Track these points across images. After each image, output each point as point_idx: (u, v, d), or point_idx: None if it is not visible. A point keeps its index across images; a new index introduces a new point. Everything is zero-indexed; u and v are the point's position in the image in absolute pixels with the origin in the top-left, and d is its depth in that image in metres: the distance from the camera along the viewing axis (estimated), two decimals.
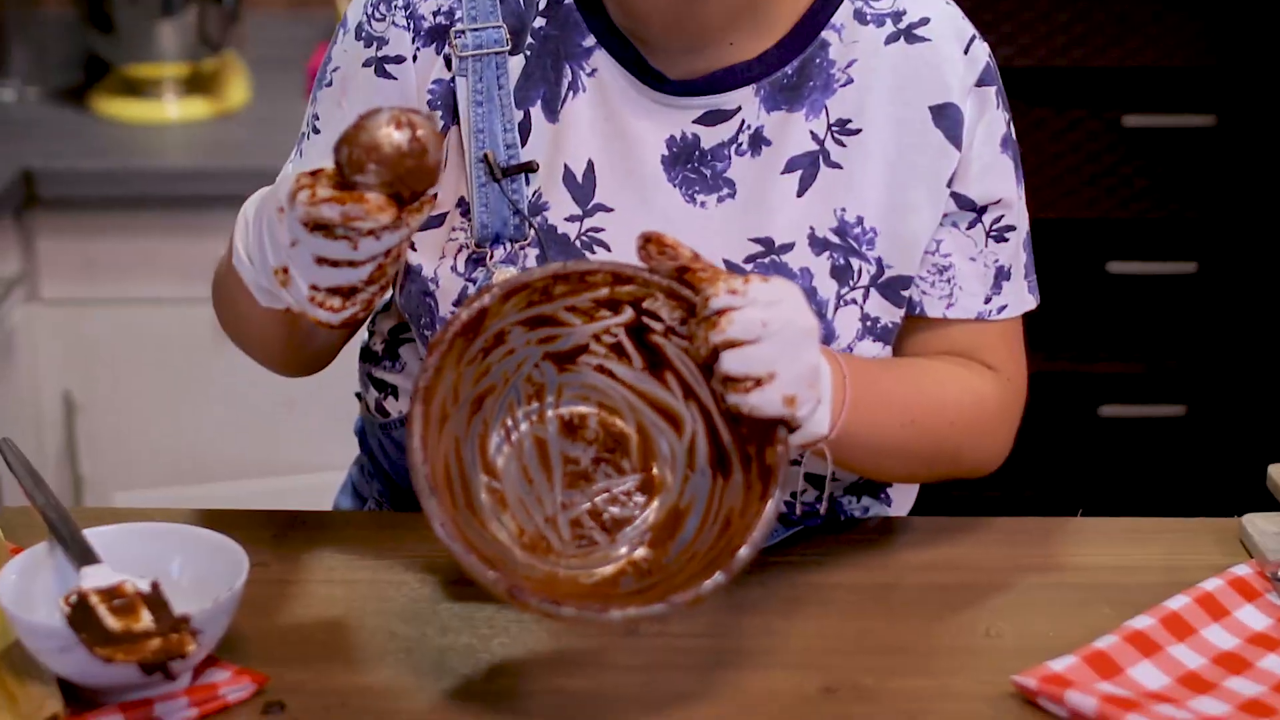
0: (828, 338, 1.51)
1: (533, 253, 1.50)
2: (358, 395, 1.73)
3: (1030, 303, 1.60)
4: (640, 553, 1.37)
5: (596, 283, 1.35)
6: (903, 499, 1.67)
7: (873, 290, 1.54)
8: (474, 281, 1.50)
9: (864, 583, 1.53)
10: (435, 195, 1.30)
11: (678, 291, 1.34)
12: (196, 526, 1.41)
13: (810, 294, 1.50)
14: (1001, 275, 1.57)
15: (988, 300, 1.57)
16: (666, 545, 1.37)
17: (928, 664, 1.41)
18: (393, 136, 1.25)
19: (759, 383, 1.29)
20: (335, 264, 1.29)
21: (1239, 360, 3.02)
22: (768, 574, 1.50)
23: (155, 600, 1.29)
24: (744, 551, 1.28)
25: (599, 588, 1.35)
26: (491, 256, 1.50)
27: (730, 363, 1.29)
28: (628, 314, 1.37)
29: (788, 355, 1.30)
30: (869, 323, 1.53)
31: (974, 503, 1.83)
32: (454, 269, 1.52)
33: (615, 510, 1.39)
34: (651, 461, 1.40)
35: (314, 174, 1.29)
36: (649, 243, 1.33)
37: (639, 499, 1.40)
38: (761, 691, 1.36)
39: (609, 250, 1.50)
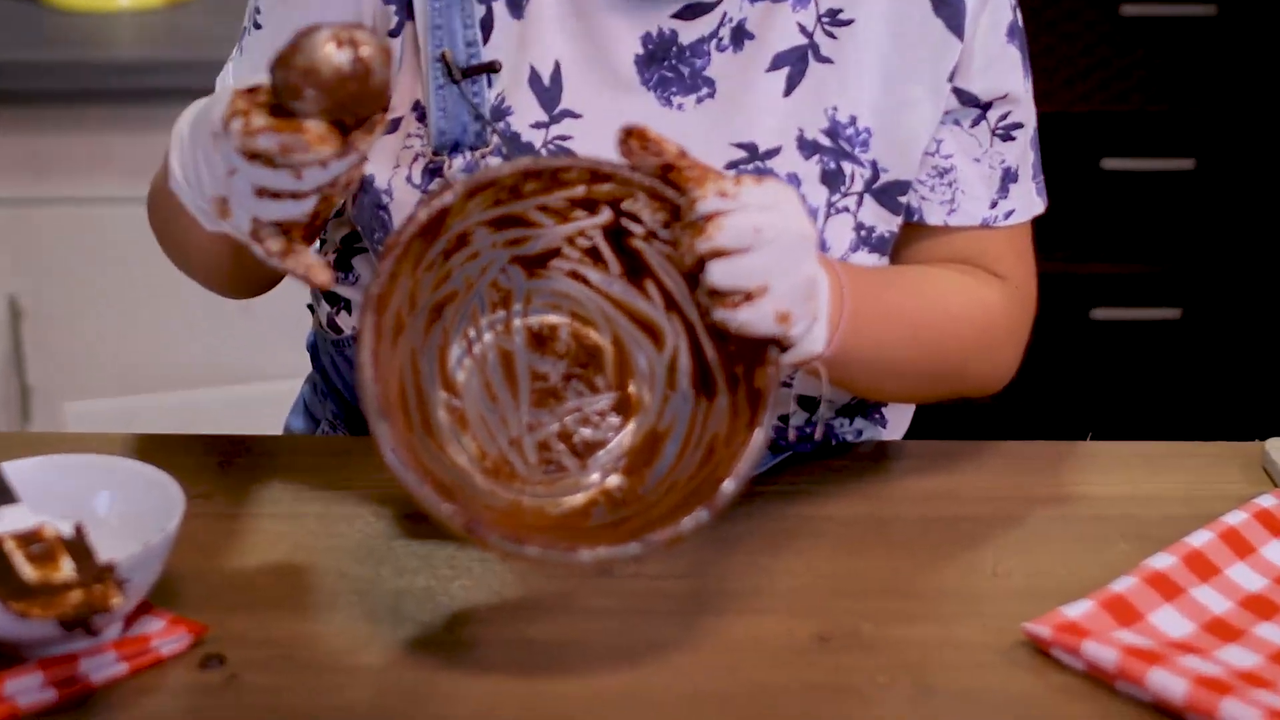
0: (819, 249, 1.39)
1: (495, 162, 1.37)
2: (309, 307, 1.60)
3: (1039, 206, 1.49)
4: (614, 480, 1.27)
5: (571, 180, 1.24)
6: (898, 420, 1.57)
7: (867, 197, 1.43)
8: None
9: (859, 515, 1.42)
10: (385, 117, 1.18)
11: (661, 192, 1.23)
12: (128, 458, 1.29)
13: (800, 201, 1.38)
14: (1008, 177, 1.46)
15: (993, 205, 1.45)
16: (643, 473, 1.26)
17: (931, 608, 1.31)
18: (332, 58, 1.13)
19: (749, 297, 1.18)
20: (277, 195, 1.18)
21: (1237, 261, 2.96)
22: (754, 506, 1.39)
23: (78, 546, 1.17)
24: (729, 485, 1.18)
25: (567, 519, 1.24)
26: (450, 166, 1.38)
27: (718, 274, 1.18)
28: (605, 215, 1.26)
29: (782, 266, 1.19)
30: (863, 232, 1.42)
31: (967, 417, 1.72)
32: (409, 179, 1.40)
33: (587, 432, 1.28)
34: (628, 379, 1.29)
35: (250, 94, 1.17)
36: (630, 136, 1.21)
37: (613, 420, 1.29)
38: (748, 640, 1.26)
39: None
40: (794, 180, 1.40)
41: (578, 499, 1.26)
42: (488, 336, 1.29)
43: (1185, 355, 2.97)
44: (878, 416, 1.54)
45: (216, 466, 1.47)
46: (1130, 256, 2.93)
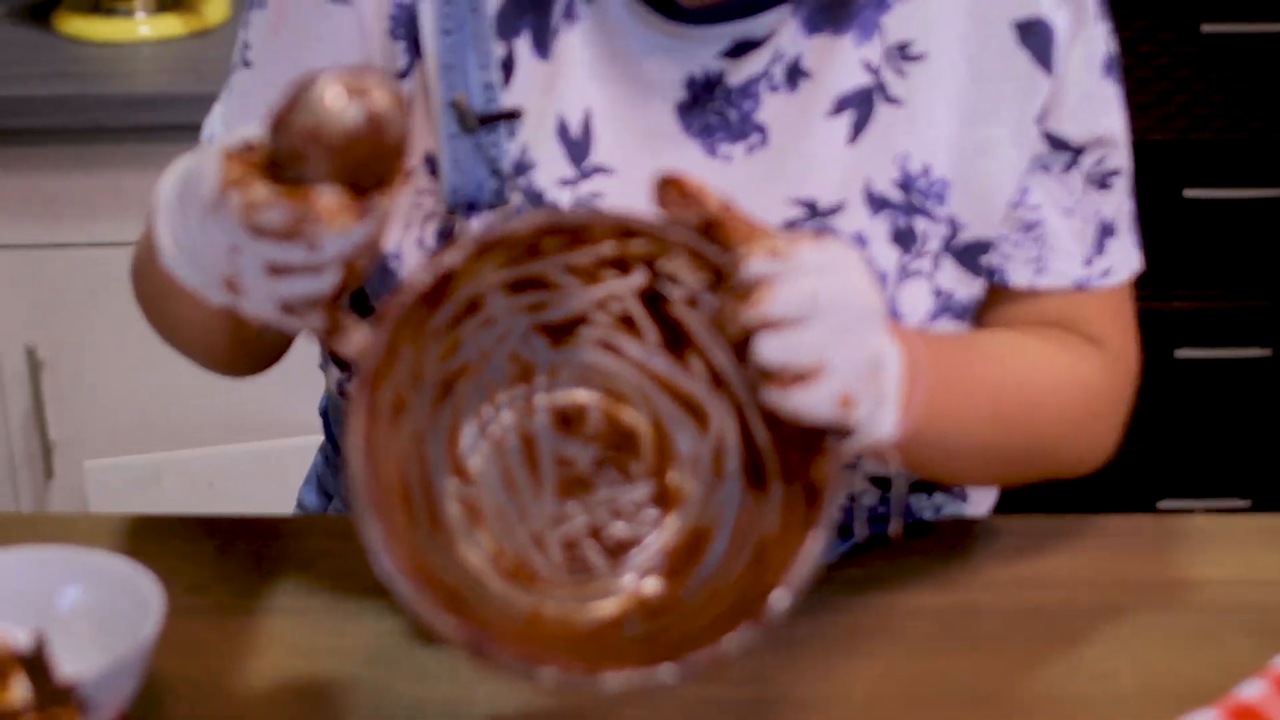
0: (890, 318, 1.22)
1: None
2: (322, 368, 1.45)
3: (1137, 263, 1.32)
4: (651, 585, 1.10)
5: (598, 237, 1.07)
6: (982, 493, 1.41)
7: (945, 257, 1.25)
8: None
9: (941, 607, 1.26)
10: (406, 172, 1.03)
11: (702, 249, 1.06)
12: (102, 551, 1.14)
13: (868, 264, 1.21)
14: (1105, 231, 1.29)
15: (1088, 263, 1.29)
16: (684, 576, 1.09)
17: (1027, 718, 1.13)
18: (338, 115, 0.96)
19: (805, 377, 1.01)
20: (294, 271, 1.00)
21: None
22: (821, 597, 1.21)
23: (34, 661, 1.01)
24: (780, 596, 1.01)
25: (596, 632, 1.07)
26: (464, 227, 1.21)
27: (768, 349, 1.01)
28: (640, 277, 1.09)
29: (843, 341, 1.02)
30: (942, 297, 1.26)
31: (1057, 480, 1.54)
32: (420, 242, 1.24)
33: (620, 528, 1.11)
34: (668, 466, 1.12)
35: (243, 153, 1.00)
36: (667, 186, 1.04)
37: (651, 514, 1.12)
38: None
39: None
40: (860, 241, 1.23)
41: (609, 605, 1.09)
42: (506, 416, 1.12)
43: (1277, 396, 2.81)
44: (959, 490, 1.38)
45: (215, 552, 1.32)
46: (1215, 292, 2.77)
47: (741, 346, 1.04)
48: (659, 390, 1.12)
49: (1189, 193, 2.70)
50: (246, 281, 1.01)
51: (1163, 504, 2.63)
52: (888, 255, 1.23)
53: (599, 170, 1.23)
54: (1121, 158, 1.29)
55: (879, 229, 1.23)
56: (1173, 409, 2.84)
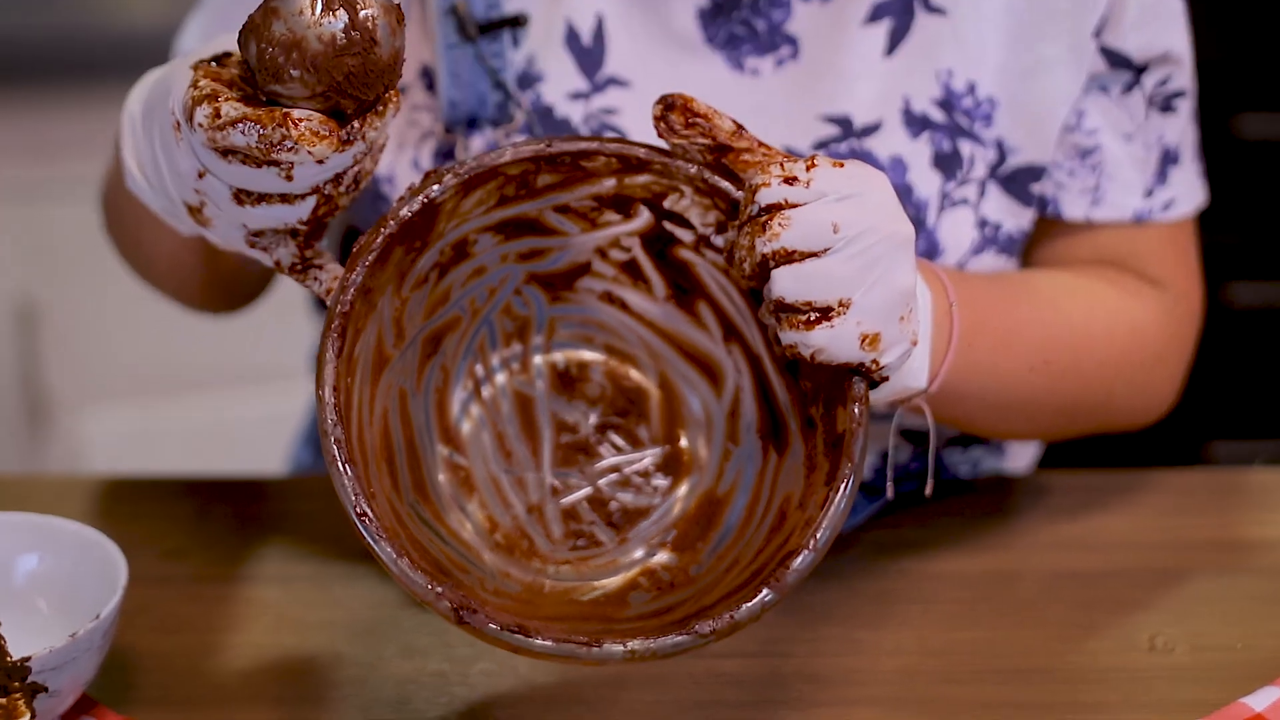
0: (930, 252, 1.12)
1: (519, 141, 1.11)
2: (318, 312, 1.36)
3: (1201, 196, 1.22)
4: (660, 558, 1.01)
5: (596, 170, 0.99)
6: (1023, 446, 1.32)
7: (991, 184, 1.16)
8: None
9: (977, 572, 1.16)
10: (398, 95, 0.92)
11: (713, 183, 0.97)
12: (64, 519, 1.04)
13: (905, 192, 1.11)
14: (1167, 159, 1.20)
15: (1149, 194, 1.19)
16: (697, 548, 1.00)
17: (1071, 694, 1.04)
18: (321, 26, 0.87)
19: (826, 314, 0.92)
20: (265, 199, 0.92)
21: None
22: (846, 561, 1.15)
23: None
24: (801, 560, 0.91)
25: (599, 607, 0.99)
26: (465, 147, 1.12)
27: (786, 283, 0.92)
28: (643, 218, 1.01)
29: (869, 273, 0.92)
30: (988, 230, 1.16)
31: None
32: (415, 163, 1.15)
33: (627, 498, 1.02)
34: (679, 429, 1.04)
35: (215, 68, 0.92)
36: (671, 110, 0.95)
37: (660, 482, 1.03)
38: None
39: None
40: (898, 164, 1.13)
41: (613, 581, 1.00)
42: (500, 377, 1.04)
43: None
44: (997, 444, 1.29)
45: (193, 515, 1.23)
46: (1270, 226, 2.67)
47: (756, 289, 0.94)
48: (668, 346, 1.03)
49: (1244, 122, 2.62)
50: (212, 208, 0.94)
51: (1214, 446, 2.54)
52: (929, 181, 1.13)
53: (613, 82, 1.14)
54: (1186, 78, 1.20)
55: (920, 152, 1.13)
56: (1223, 348, 2.74)
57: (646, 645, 0.88)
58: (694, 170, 0.96)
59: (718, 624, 0.89)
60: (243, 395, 2.50)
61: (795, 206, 0.92)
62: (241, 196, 0.92)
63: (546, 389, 1.04)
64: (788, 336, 0.93)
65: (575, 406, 1.04)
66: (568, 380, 1.05)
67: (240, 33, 0.89)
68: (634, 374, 1.04)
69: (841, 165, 0.93)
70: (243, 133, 0.88)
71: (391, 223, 0.94)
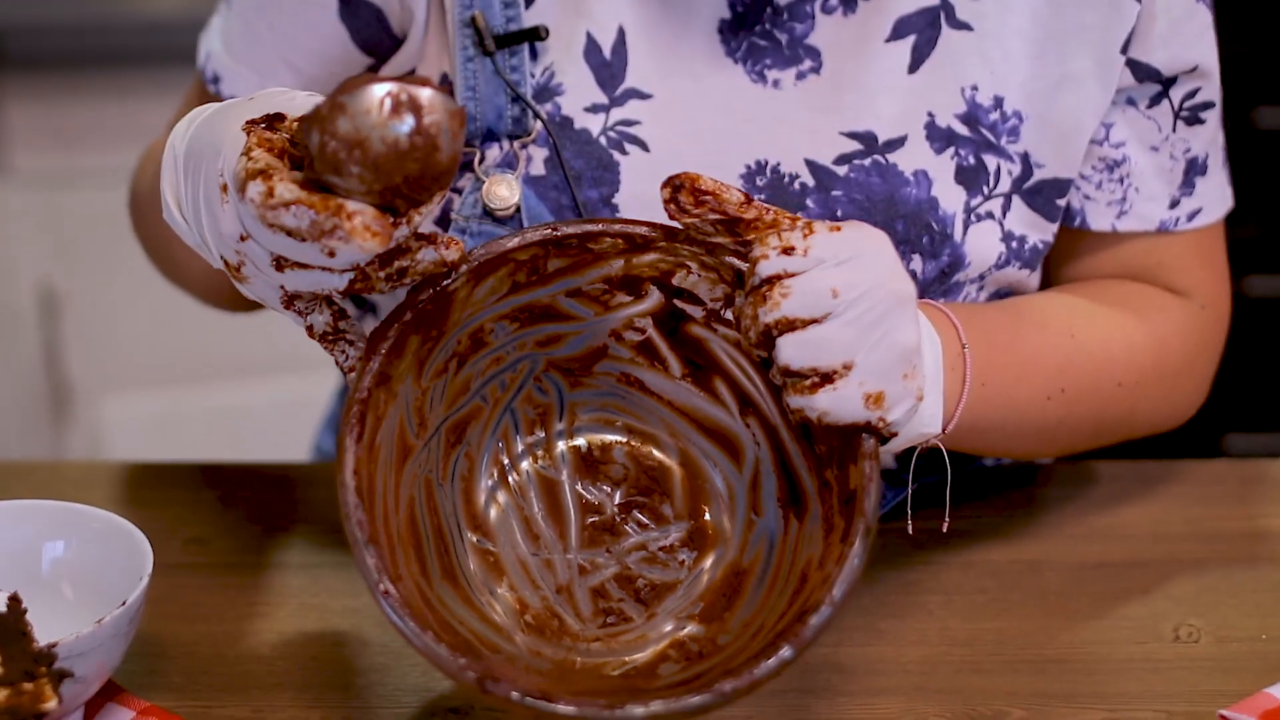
0: (955, 265, 1.11)
1: (540, 154, 1.11)
2: None
3: (1229, 202, 1.21)
4: (689, 630, 1.01)
5: (604, 252, 0.99)
6: None
7: (1016, 198, 1.15)
8: (458, 193, 1.10)
9: (1002, 561, 1.16)
10: (448, 190, 0.92)
11: (716, 258, 0.98)
12: (90, 506, 1.04)
13: (930, 206, 1.10)
14: (1194, 169, 1.19)
15: (1174, 204, 1.18)
16: (724, 618, 1.00)
17: (1096, 685, 1.04)
18: (386, 129, 0.85)
19: (829, 378, 0.92)
20: (305, 266, 0.91)
21: None
22: (869, 553, 1.12)
23: (9, 626, 0.92)
24: (818, 617, 0.90)
25: (630, 680, 0.99)
26: (482, 160, 1.11)
27: (789, 351, 0.92)
28: (654, 297, 1.02)
29: (870, 335, 0.92)
30: (1012, 243, 1.15)
31: None
32: None
33: (654, 574, 1.03)
34: (702, 504, 1.04)
35: (268, 134, 0.90)
36: (679, 191, 0.95)
37: (686, 556, 1.04)
38: None
39: (646, 151, 1.10)
40: (923, 178, 1.12)
41: (643, 655, 1.00)
42: (525, 464, 1.05)
43: None
44: None
45: (217, 503, 1.23)
46: None
47: (767, 358, 0.95)
48: (687, 424, 1.04)
49: (1261, 115, 2.60)
50: (251, 269, 0.92)
51: (1230, 439, 2.53)
52: (953, 195, 1.12)
53: (633, 95, 1.12)
54: (1214, 90, 1.18)
55: (944, 166, 1.12)
56: (1240, 341, 2.72)
57: (668, 706, 0.87)
58: (695, 247, 0.97)
59: (739, 683, 0.88)
60: (265, 383, 2.50)
61: (794, 275, 0.92)
62: (281, 262, 0.91)
63: (570, 472, 1.05)
64: (794, 401, 0.93)
65: (599, 488, 1.05)
66: (591, 462, 1.05)
67: (303, 120, 0.87)
68: (656, 453, 1.05)
69: (839, 229, 0.93)
70: (294, 216, 0.86)
71: (407, 313, 0.95)
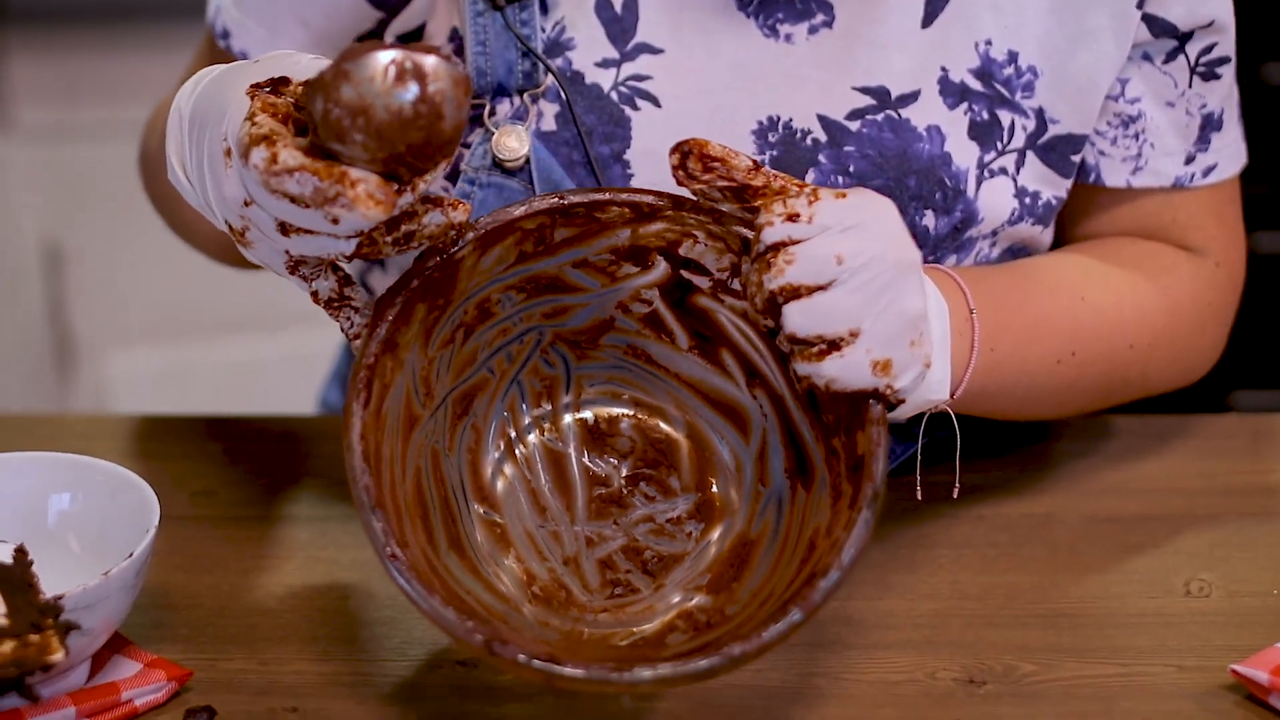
0: (968, 221, 1.11)
1: (551, 109, 1.10)
2: None
3: (1244, 157, 1.20)
4: (697, 601, 1.00)
5: (611, 221, 0.99)
6: None
7: (1030, 154, 1.14)
8: (467, 145, 1.09)
9: (1013, 515, 1.15)
10: (452, 157, 0.91)
11: (723, 226, 0.97)
12: (97, 459, 1.03)
13: (944, 161, 1.09)
14: (1210, 125, 1.18)
15: (1189, 160, 1.17)
16: (732, 588, 1.00)
17: (1107, 639, 1.03)
18: (391, 97, 0.84)
19: (836, 345, 0.91)
20: (310, 232, 0.90)
21: None
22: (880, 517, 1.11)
23: (15, 577, 0.91)
24: (828, 580, 0.90)
25: (638, 649, 0.98)
26: (492, 114, 1.10)
27: (795, 319, 0.92)
28: (661, 268, 1.01)
29: (875, 302, 0.92)
30: (1026, 199, 1.14)
31: None
32: None
33: (661, 546, 1.03)
34: (709, 477, 1.04)
35: (272, 98, 0.89)
36: (688, 158, 0.94)
37: (693, 528, 1.03)
38: (875, 685, 0.99)
39: (658, 107, 1.09)
40: (936, 134, 1.11)
41: (651, 626, 1.00)
42: (532, 437, 1.04)
43: None
44: None
45: (223, 455, 1.22)
46: None
47: (774, 328, 0.95)
48: (694, 397, 1.04)
49: (1270, 69, 2.57)
50: (255, 233, 0.91)
51: (1238, 396, 2.52)
52: (967, 152, 1.12)
53: (644, 50, 1.11)
54: (1230, 45, 1.17)
55: (957, 121, 1.11)
56: (1248, 297, 2.71)
57: (676, 669, 0.87)
58: (702, 214, 0.97)
59: (747, 646, 0.88)
60: (271, 338, 2.49)
61: (799, 242, 0.91)
62: (286, 227, 0.90)
63: (577, 445, 1.04)
64: (801, 368, 0.93)
65: (606, 460, 1.05)
66: (598, 435, 1.05)
67: (307, 85, 0.86)
68: (663, 426, 1.05)
69: (844, 195, 0.93)
70: (298, 182, 0.85)
71: (414, 280, 0.94)
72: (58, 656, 0.87)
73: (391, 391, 0.95)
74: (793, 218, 0.92)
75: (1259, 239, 2.64)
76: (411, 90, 0.84)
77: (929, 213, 1.10)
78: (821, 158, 1.09)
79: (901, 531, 1.12)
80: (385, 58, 0.84)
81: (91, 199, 2.50)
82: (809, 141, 1.09)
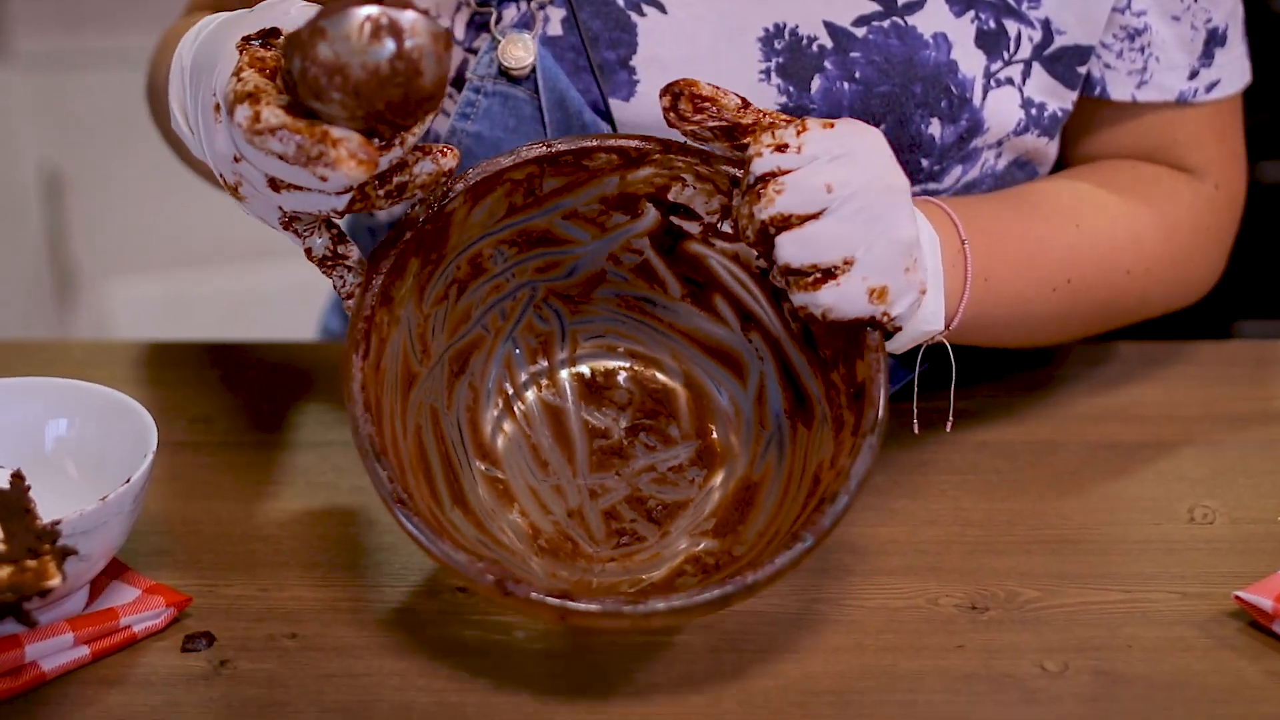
0: (974, 130, 1.10)
1: (557, 14, 1.09)
2: None
3: (1247, 75, 1.19)
4: (704, 545, 1.00)
5: (599, 169, 0.98)
6: None
7: (1036, 65, 1.13)
8: (473, 53, 1.08)
9: (1016, 441, 1.15)
10: (435, 113, 0.90)
11: (713, 167, 0.97)
12: (95, 384, 1.02)
13: (949, 69, 1.08)
14: (1214, 39, 1.16)
15: (1193, 75, 1.16)
16: (739, 531, 1.00)
17: (1110, 566, 1.03)
18: (367, 55, 0.83)
19: (831, 274, 0.91)
20: (300, 188, 0.89)
21: None
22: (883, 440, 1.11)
23: (11, 502, 0.90)
24: (837, 503, 0.90)
25: (648, 594, 0.97)
26: (499, 19, 1.09)
27: (788, 249, 0.92)
28: (650, 216, 1.01)
29: (867, 229, 0.92)
30: (1032, 110, 1.13)
31: None
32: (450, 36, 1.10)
33: (665, 494, 1.02)
34: (709, 423, 1.04)
35: (260, 51, 0.89)
36: (679, 99, 0.94)
37: (696, 474, 1.03)
38: (877, 612, 0.99)
39: (664, 13, 1.08)
40: (942, 41, 1.10)
41: (659, 573, 0.99)
42: (529, 393, 1.04)
43: None
44: None
45: (220, 381, 1.21)
46: None
47: (766, 269, 0.95)
48: (689, 345, 1.04)
49: None
50: (248, 188, 0.91)
51: (1241, 325, 2.51)
52: (973, 59, 1.10)
53: None
54: None
55: (963, 29, 1.10)
56: (1251, 226, 2.70)
57: (690, 599, 0.87)
58: (690, 156, 0.97)
59: (759, 574, 0.87)
60: (271, 265, 2.48)
61: (789, 172, 0.91)
62: (276, 183, 0.89)
63: (575, 399, 1.04)
64: (797, 299, 0.92)
65: (605, 413, 1.04)
66: (595, 389, 1.04)
67: (285, 42, 0.85)
68: (659, 376, 1.05)
69: (832, 125, 0.93)
70: (280, 140, 0.85)
71: (407, 233, 0.94)
72: (55, 582, 0.87)
73: (389, 347, 0.95)
74: (781, 148, 0.91)
75: (1263, 168, 2.63)
76: (388, 47, 0.83)
77: (935, 120, 1.09)
78: (827, 64, 1.08)
79: (903, 458, 1.12)
80: (361, 14, 0.83)
81: (91, 127, 2.48)
82: (815, 48, 1.08)
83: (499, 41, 1.08)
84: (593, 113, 1.08)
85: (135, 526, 0.98)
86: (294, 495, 1.09)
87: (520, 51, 1.08)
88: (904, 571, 1.01)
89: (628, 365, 1.04)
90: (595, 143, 0.98)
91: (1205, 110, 1.17)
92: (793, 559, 0.87)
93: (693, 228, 1.00)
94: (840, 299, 0.92)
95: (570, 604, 0.86)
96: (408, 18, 0.84)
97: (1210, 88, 1.17)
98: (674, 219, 1.00)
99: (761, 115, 0.94)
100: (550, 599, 0.86)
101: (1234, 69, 1.18)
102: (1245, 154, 1.21)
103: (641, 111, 1.08)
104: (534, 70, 1.08)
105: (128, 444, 0.99)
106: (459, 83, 1.09)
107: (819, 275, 0.91)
